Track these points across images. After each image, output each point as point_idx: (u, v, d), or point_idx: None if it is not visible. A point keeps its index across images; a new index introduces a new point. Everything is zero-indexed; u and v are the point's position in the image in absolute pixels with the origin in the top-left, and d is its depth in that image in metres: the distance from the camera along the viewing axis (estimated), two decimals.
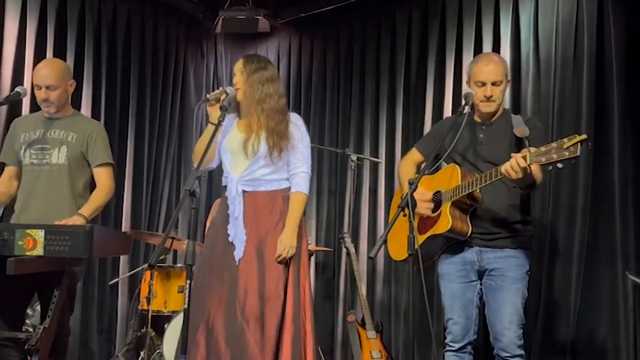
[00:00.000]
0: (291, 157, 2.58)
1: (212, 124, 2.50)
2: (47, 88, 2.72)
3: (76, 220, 2.53)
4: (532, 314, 3.28)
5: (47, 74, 2.73)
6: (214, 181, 5.02)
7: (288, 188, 2.59)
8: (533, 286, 3.16)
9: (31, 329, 3.10)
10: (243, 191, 2.54)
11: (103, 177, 2.79)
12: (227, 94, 2.51)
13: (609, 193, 3.20)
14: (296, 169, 2.58)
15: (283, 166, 2.59)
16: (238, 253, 2.47)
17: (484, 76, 2.46)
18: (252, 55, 2.71)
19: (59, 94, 2.75)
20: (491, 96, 2.46)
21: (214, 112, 2.52)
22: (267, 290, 2.43)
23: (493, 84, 2.46)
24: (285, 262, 2.49)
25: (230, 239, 2.50)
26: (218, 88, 2.59)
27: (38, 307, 3.17)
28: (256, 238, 2.50)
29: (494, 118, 2.57)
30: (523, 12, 3.65)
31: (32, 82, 2.78)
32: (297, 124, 2.63)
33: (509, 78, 2.56)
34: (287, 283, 2.49)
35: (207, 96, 2.50)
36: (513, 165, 2.15)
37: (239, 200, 2.52)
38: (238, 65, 2.63)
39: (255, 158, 2.54)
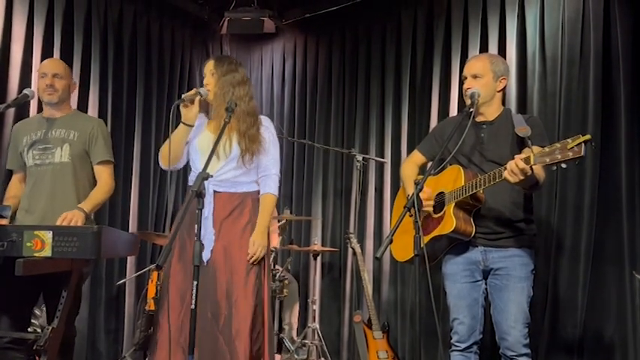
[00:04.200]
0: (262, 160, 2.62)
1: (185, 124, 2.53)
2: (54, 75, 2.79)
3: (77, 215, 2.54)
4: (539, 313, 3.28)
5: (54, 64, 2.86)
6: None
7: (258, 192, 2.64)
8: (540, 285, 3.16)
9: (39, 330, 3.12)
10: (215, 191, 2.55)
11: (104, 175, 2.81)
12: (201, 95, 2.53)
13: (616, 192, 3.18)
14: (267, 172, 2.63)
15: (254, 168, 2.62)
16: (206, 254, 2.48)
17: (465, 71, 2.59)
18: (223, 57, 2.73)
19: (64, 85, 2.82)
20: (469, 88, 2.51)
21: (189, 113, 2.54)
22: (235, 290, 2.46)
23: (473, 77, 2.53)
24: (253, 263, 2.52)
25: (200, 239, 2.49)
26: (192, 89, 2.60)
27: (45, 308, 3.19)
28: (225, 239, 2.51)
29: (495, 118, 2.57)
30: (529, 10, 3.64)
31: (37, 75, 2.84)
32: (267, 127, 2.67)
33: (501, 75, 2.55)
34: (261, 281, 2.53)
35: (183, 96, 2.50)
36: (513, 168, 2.15)
37: (209, 200, 2.53)
38: (209, 66, 2.64)
39: (228, 160, 2.56)
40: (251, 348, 2.41)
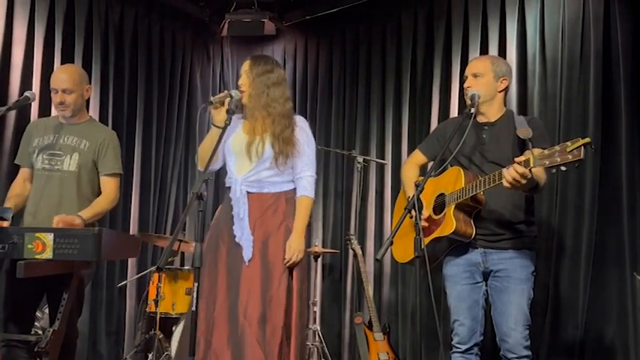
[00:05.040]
0: (297, 161, 2.57)
1: (216, 126, 2.52)
2: (63, 91, 2.76)
3: (74, 219, 2.53)
4: (540, 315, 3.27)
5: (63, 78, 2.79)
6: (221, 183, 5.04)
7: (292, 190, 2.59)
8: (540, 287, 3.16)
9: (40, 332, 3.13)
10: (248, 192, 2.54)
11: (110, 186, 2.81)
12: (232, 97, 2.49)
13: (617, 193, 3.18)
14: (302, 173, 2.58)
15: (288, 168, 2.58)
16: (247, 254, 2.47)
17: (466, 70, 2.60)
18: (259, 57, 2.68)
19: (75, 98, 2.79)
20: (469, 87, 2.52)
21: (218, 115, 2.51)
22: (269, 292, 2.43)
23: (474, 76, 2.54)
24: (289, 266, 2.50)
25: (237, 240, 2.50)
26: (223, 91, 2.58)
27: (47, 310, 3.20)
28: (259, 240, 2.50)
29: (496, 119, 2.57)
30: (529, 12, 3.64)
31: (50, 87, 2.84)
32: (303, 128, 2.63)
33: (503, 75, 2.55)
34: (293, 284, 2.50)
35: (212, 99, 2.48)
36: (514, 175, 2.14)
37: (243, 201, 2.52)
38: (245, 66, 2.62)
39: (260, 161, 2.53)
40: (281, 348, 2.40)
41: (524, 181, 2.15)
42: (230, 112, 2.42)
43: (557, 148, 2.05)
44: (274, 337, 2.38)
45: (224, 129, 2.37)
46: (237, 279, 2.45)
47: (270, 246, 2.49)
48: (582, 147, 1.97)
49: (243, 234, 2.49)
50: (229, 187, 2.61)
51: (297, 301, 2.49)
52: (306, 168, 2.59)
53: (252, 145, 2.53)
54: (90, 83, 3.71)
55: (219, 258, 2.52)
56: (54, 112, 3.69)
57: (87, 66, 4.12)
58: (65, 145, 2.79)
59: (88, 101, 4.00)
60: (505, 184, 2.18)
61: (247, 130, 2.59)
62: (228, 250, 2.52)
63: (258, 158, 2.53)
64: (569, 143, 2.01)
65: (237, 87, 2.63)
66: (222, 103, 2.47)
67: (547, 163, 2.06)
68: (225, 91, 2.53)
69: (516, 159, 2.18)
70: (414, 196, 2.14)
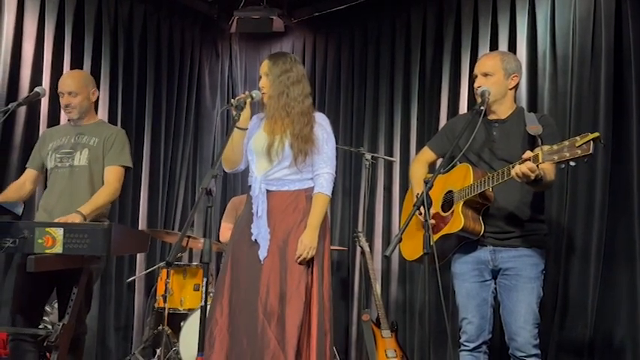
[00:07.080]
0: (316, 158, 2.57)
1: (238, 128, 2.53)
2: (69, 94, 2.87)
3: (74, 218, 2.55)
4: (549, 314, 3.26)
5: (68, 82, 2.91)
6: (229, 180, 5.05)
7: (312, 188, 2.58)
8: (550, 286, 3.14)
9: (49, 326, 3.15)
10: (267, 190, 2.54)
11: (111, 177, 2.83)
12: (253, 98, 2.50)
13: (627, 191, 3.16)
14: (319, 170, 2.57)
15: (307, 166, 2.57)
16: (262, 253, 2.47)
17: (476, 69, 2.57)
18: (277, 56, 2.67)
19: (80, 101, 2.88)
20: (479, 86, 2.50)
21: (241, 116, 2.50)
22: (289, 289, 2.42)
23: (484, 75, 2.51)
24: (307, 262, 2.48)
25: (253, 238, 2.50)
26: (231, 88, 2.58)
27: (57, 305, 3.23)
28: (279, 237, 2.49)
29: (507, 116, 2.56)
30: (540, 9, 3.62)
31: (57, 92, 2.93)
32: (322, 125, 2.62)
33: (513, 72, 2.52)
34: (311, 283, 2.48)
35: (232, 101, 2.47)
36: (525, 171, 2.13)
37: (262, 199, 2.52)
38: (263, 67, 2.62)
39: (279, 161, 2.54)
40: (299, 346, 2.38)
41: (532, 177, 2.14)
42: (239, 109, 2.42)
43: (566, 143, 2.03)
44: (293, 336, 2.36)
45: (230, 131, 2.39)
46: (256, 277, 2.44)
47: (290, 244, 2.48)
48: (591, 142, 1.95)
49: (260, 232, 2.49)
50: (250, 186, 2.61)
51: (316, 299, 2.47)
52: (324, 165, 2.57)
53: (272, 147, 2.53)
54: (98, 82, 3.76)
55: (240, 256, 2.52)
56: (63, 118, 3.75)
57: (96, 62, 4.15)
58: (76, 143, 2.85)
59: (97, 102, 4.07)
60: (513, 174, 2.18)
61: (268, 130, 2.59)
62: (247, 248, 2.52)
63: (278, 158, 2.54)
64: (578, 138, 1.99)
65: (258, 88, 2.63)
66: (244, 104, 2.47)
67: (556, 158, 2.05)
68: (246, 92, 2.54)
69: (524, 155, 2.16)
70: (423, 192, 2.13)
